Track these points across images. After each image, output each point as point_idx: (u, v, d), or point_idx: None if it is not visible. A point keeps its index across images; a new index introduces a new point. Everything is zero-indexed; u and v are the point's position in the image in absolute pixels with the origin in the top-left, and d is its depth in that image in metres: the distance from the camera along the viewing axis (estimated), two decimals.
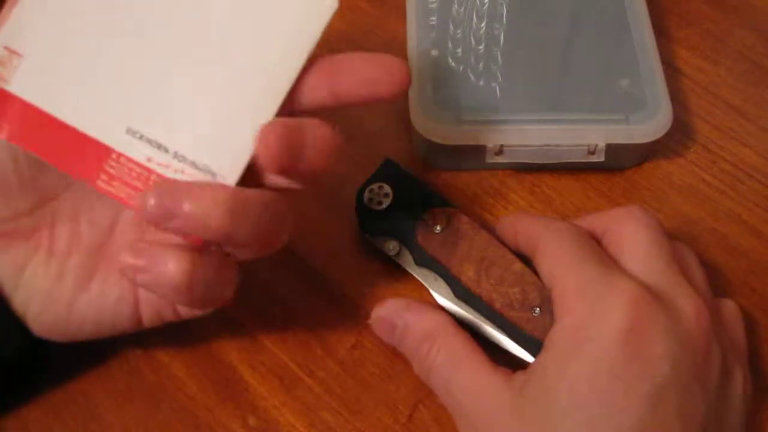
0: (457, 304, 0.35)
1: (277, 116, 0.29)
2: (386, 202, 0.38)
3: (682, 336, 0.29)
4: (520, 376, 0.30)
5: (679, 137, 0.44)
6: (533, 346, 0.33)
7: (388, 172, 0.39)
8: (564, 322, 0.30)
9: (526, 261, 0.35)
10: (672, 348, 0.29)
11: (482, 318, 0.35)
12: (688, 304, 0.30)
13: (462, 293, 0.35)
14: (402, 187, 0.39)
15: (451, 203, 0.38)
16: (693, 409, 0.28)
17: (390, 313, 0.34)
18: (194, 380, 0.36)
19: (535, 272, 0.34)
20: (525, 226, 0.35)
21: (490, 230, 0.37)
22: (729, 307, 0.34)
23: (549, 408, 0.28)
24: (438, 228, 0.37)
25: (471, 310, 0.35)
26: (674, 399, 0.28)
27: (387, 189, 0.38)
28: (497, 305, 0.34)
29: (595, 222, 0.34)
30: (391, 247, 0.37)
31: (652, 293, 0.30)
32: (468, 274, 0.35)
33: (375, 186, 0.39)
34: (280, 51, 0.30)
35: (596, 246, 0.33)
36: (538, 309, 0.34)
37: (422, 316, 0.33)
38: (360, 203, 0.39)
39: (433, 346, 0.32)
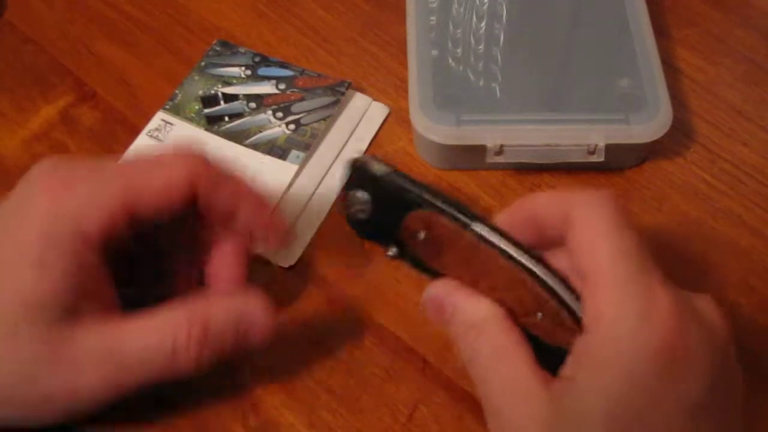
0: None
1: None
2: (368, 209, 0.35)
3: (715, 347, 0.28)
4: (557, 383, 0.29)
5: (679, 137, 0.44)
6: (545, 349, 0.31)
7: (359, 176, 0.34)
8: (601, 334, 0.28)
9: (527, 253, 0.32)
10: (707, 362, 0.28)
11: None
12: (710, 310, 0.29)
13: None
14: (377, 191, 0.34)
15: (427, 200, 0.33)
16: (728, 425, 0.28)
17: (441, 294, 0.32)
18: (194, 380, 0.36)
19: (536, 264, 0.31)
20: (551, 204, 0.31)
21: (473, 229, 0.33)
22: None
23: (583, 422, 0.27)
24: (421, 234, 0.33)
25: None
26: (711, 415, 0.27)
27: (365, 195, 0.35)
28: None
29: (552, 203, 0.31)
30: (391, 251, 0.35)
31: (684, 302, 0.28)
32: (465, 279, 0.33)
33: (351, 194, 0.34)
34: None
35: (633, 228, 0.29)
36: (540, 314, 0.31)
37: (474, 304, 0.31)
38: (347, 213, 0.35)
39: (480, 336, 0.31)
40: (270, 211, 0.35)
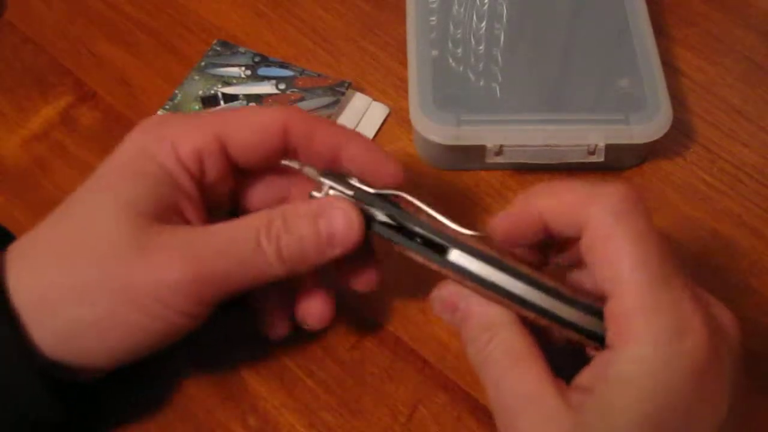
0: None
1: None
2: None
3: (735, 357, 0.28)
4: (575, 394, 0.28)
5: (679, 137, 0.44)
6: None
7: None
8: (629, 351, 0.27)
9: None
10: (731, 375, 0.28)
11: None
12: (727, 318, 0.29)
13: None
14: None
15: (392, 239, 0.32)
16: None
17: (454, 294, 0.31)
18: (194, 380, 0.36)
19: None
20: (560, 205, 0.30)
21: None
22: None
23: None
24: (411, 258, 0.32)
25: None
26: (733, 422, 0.27)
27: None
28: None
29: (562, 204, 0.29)
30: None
31: (709, 312, 0.28)
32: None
33: None
34: None
35: (654, 230, 0.28)
36: (547, 329, 0.31)
37: (488, 306, 0.31)
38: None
39: (493, 338, 0.30)
40: (377, 147, 0.34)
